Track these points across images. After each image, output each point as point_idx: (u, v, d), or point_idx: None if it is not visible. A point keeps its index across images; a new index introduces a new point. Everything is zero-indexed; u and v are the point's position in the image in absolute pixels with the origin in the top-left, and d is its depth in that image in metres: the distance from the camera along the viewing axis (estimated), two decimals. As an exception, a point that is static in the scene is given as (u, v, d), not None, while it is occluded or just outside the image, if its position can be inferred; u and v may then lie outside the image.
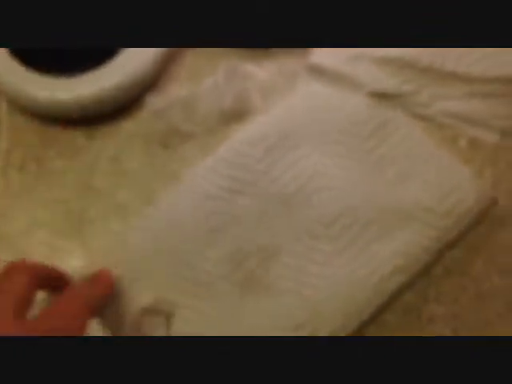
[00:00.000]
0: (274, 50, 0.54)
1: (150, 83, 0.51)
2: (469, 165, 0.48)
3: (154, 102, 0.50)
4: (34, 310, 0.36)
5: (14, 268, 0.37)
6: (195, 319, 0.44)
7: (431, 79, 0.50)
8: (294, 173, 0.47)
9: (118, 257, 0.45)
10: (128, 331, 0.43)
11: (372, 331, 0.43)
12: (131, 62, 0.50)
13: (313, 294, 0.44)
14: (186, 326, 0.43)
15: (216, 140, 0.50)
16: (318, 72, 0.52)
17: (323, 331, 0.42)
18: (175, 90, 0.52)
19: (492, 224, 0.46)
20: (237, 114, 0.50)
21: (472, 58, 0.50)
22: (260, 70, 0.53)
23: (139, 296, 0.43)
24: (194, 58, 0.54)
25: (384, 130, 0.48)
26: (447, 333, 0.43)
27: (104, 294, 0.41)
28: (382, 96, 0.50)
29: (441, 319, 0.44)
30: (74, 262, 0.46)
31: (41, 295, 0.39)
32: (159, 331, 0.43)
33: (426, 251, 0.44)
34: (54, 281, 0.40)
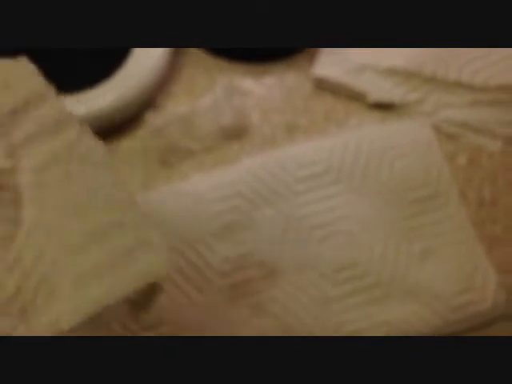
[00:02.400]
0: (273, 65, 0.53)
1: (148, 100, 0.51)
2: (467, 183, 0.48)
3: (153, 119, 0.50)
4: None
5: None
6: (181, 302, 0.44)
7: (435, 88, 0.51)
8: (324, 207, 0.47)
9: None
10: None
11: None
12: (129, 80, 0.49)
13: (295, 327, 0.44)
14: (170, 303, 0.44)
15: (215, 157, 0.50)
16: (321, 84, 0.52)
17: None
18: (173, 107, 0.51)
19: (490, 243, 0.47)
20: (235, 131, 0.50)
21: (474, 67, 0.50)
22: (258, 86, 0.53)
23: None
24: (191, 74, 0.53)
25: (431, 201, 0.47)
26: None
27: None
28: (386, 106, 0.51)
29: None
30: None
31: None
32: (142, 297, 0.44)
33: (418, 333, 0.43)
34: None
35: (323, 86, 0.52)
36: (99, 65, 0.50)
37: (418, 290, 0.45)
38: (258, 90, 0.53)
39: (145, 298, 0.43)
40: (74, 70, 0.49)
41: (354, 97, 0.51)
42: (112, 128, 0.50)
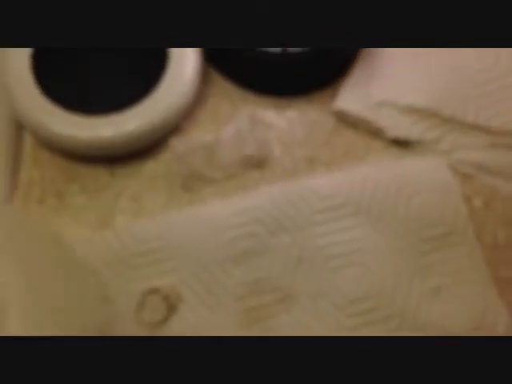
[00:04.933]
0: (296, 99, 0.55)
1: (173, 126, 0.52)
2: (482, 225, 0.49)
3: (178, 145, 0.51)
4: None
5: None
6: (191, 323, 0.45)
7: (453, 128, 0.52)
8: (340, 239, 0.47)
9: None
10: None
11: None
12: (157, 106, 0.51)
13: None
14: (181, 324, 0.45)
15: (235, 184, 0.51)
16: (343, 118, 0.53)
17: None
18: (198, 134, 0.53)
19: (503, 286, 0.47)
20: (257, 161, 0.51)
21: (492, 111, 0.52)
22: (281, 119, 0.54)
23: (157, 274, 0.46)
24: (216, 103, 0.55)
25: (447, 239, 0.48)
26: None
27: None
28: (404, 143, 0.52)
29: None
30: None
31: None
32: (156, 317, 0.45)
33: None
34: None
35: (344, 120, 0.53)
36: (129, 89, 0.51)
37: (428, 325, 0.45)
38: (281, 122, 0.54)
39: (159, 317, 0.44)
40: (105, 92, 0.51)
41: (374, 132, 0.52)
42: (138, 151, 0.51)
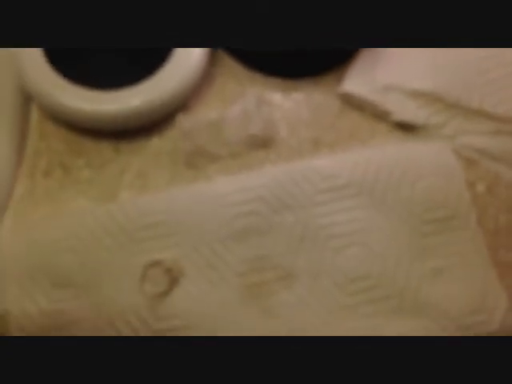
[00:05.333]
0: (302, 81, 0.55)
1: (180, 104, 0.53)
2: (485, 210, 0.49)
3: (184, 121, 0.51)
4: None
5: None
6: (194, 297, 0.45)
7: (458, 114, 0.52)
8: (342, 219, 0.48)
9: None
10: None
11: None
12: (164, 83, 0.51)
13: (302, 331, 0.44)
14: (184, 298, 0.45)
15: (240, 162, 0.51)
16: (349, 100, 0.54)
17: None
18: (204, 112, 0.53)
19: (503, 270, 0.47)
20: (262, 141, 0.52)
21: (498, 98, 0.52)
22: (287, 101, 0.54)
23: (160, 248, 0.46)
24: (223, 83, 0.55)
25: (449, 223, 0.48)
26: None
27: None
28: (409, 127, 0.52)
29: None
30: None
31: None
32: (158, 289, 0.45)
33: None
34: None
35: (350, 103, 0.54)
36: (137, 66, 0.52)
37: (428, 306, 0.45)
38: (287, 104, 0.54)
39: (161, 289, 0.45)
40: (113, 68, 0.51)
41: (379, 115, 0.53)
42: (143, 126, 0.52)
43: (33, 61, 0.51)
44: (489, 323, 0.45)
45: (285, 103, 0.54)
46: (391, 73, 0.53)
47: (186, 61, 0.52)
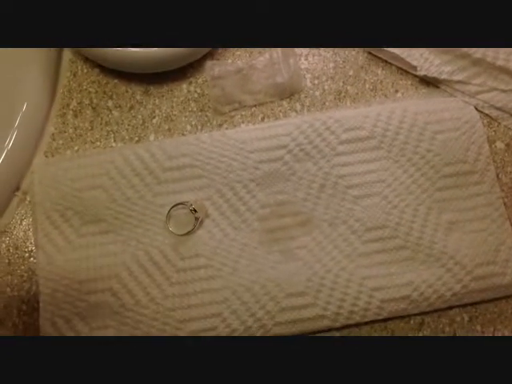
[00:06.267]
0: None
1: (209, 50, 0.53)
2: (503, 167, 0.50)
3: (212, 68, 0.52)
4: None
5: None
6: (217, 238, 0.48)
7: (483, 71, 0.52)
8: (362, 169, 0.49)
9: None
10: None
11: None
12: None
13: (319, 273, 0.47)
14: (208, 238, 0.47)
15: (265, 110, 0.52)
16: (375, 53, 0.55)
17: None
18: (232, 61, 0.54)
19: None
20: (288, 91, 0.53)
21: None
22: (314, 53, 0.55)
23: (185, 190, 0.49)
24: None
25: (466, 177, 0.49)
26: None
27: None
28: (432, 83, 0.53)
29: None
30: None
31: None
32: (183, 229, 0.47)
33: (440, 299, 0.46)
34: None
35: (375, 57, 0.54)
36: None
37: (442, 256, 0.47)
38: (313, 56, 0.55)
39: (185, 230, 0.46)
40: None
41: (404, 70, 0.53)
42: (173, 72, 0.53)
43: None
44: (502, 275, 0.47)
45: (311, 55, 0.55)
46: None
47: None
